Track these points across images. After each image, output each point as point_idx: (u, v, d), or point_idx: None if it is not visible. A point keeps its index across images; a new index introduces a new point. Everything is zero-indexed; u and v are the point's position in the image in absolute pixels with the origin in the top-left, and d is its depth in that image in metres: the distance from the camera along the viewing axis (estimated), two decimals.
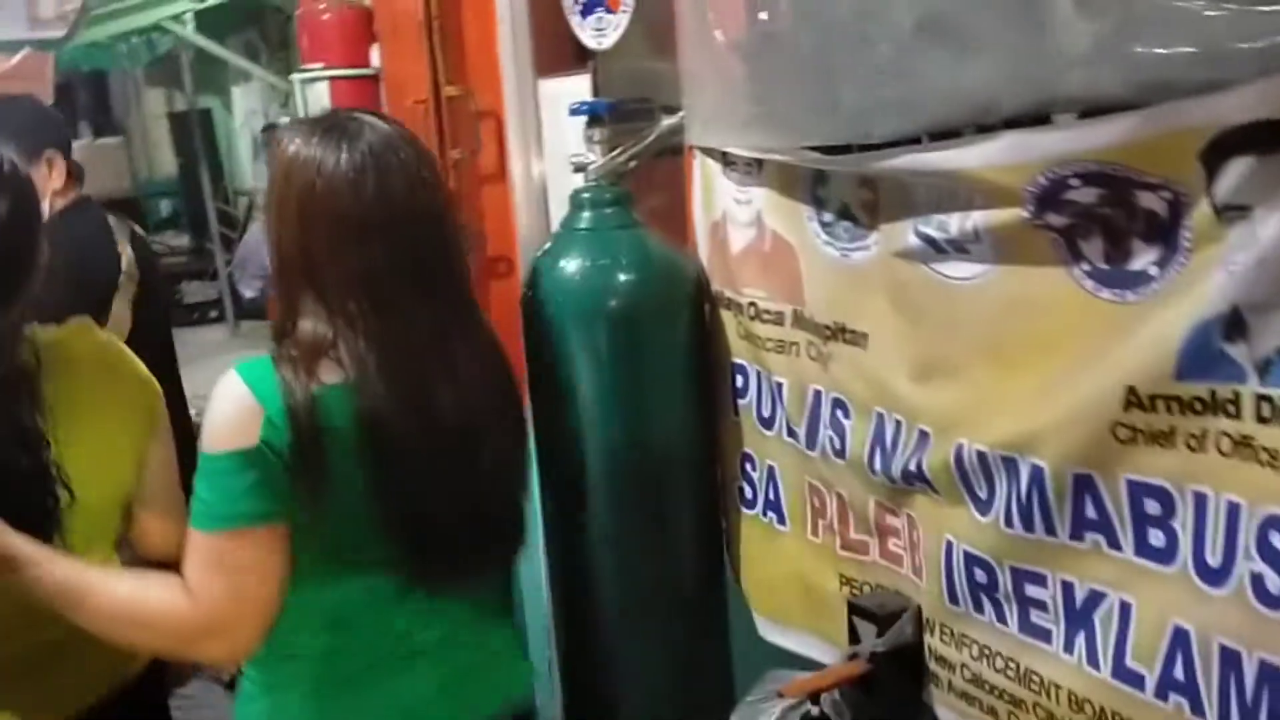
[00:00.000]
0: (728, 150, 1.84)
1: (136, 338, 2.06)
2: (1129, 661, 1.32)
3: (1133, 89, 1.14)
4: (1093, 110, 1.21)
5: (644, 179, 2.06)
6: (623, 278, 1.88)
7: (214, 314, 9.23)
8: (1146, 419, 1.23)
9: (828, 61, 1.51)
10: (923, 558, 1.59)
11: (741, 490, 1.98)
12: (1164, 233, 1.19)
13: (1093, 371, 1.27)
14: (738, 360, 1.93)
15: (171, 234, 9.88)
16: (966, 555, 1.50)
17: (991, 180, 1.32)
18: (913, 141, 1.42)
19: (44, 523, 1.49)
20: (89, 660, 1.58)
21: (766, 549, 1.96)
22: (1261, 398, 1.13)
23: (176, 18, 5.40)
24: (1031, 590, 1.43)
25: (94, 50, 6.94)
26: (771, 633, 1.98)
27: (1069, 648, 1.39)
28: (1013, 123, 1.29)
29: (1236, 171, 1.10)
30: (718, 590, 2.06)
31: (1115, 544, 1.31)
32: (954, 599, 1.54)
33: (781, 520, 1.90)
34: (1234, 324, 1.14)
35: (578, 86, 2.56)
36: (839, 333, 1.67)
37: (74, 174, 2.50)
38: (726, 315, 1.93)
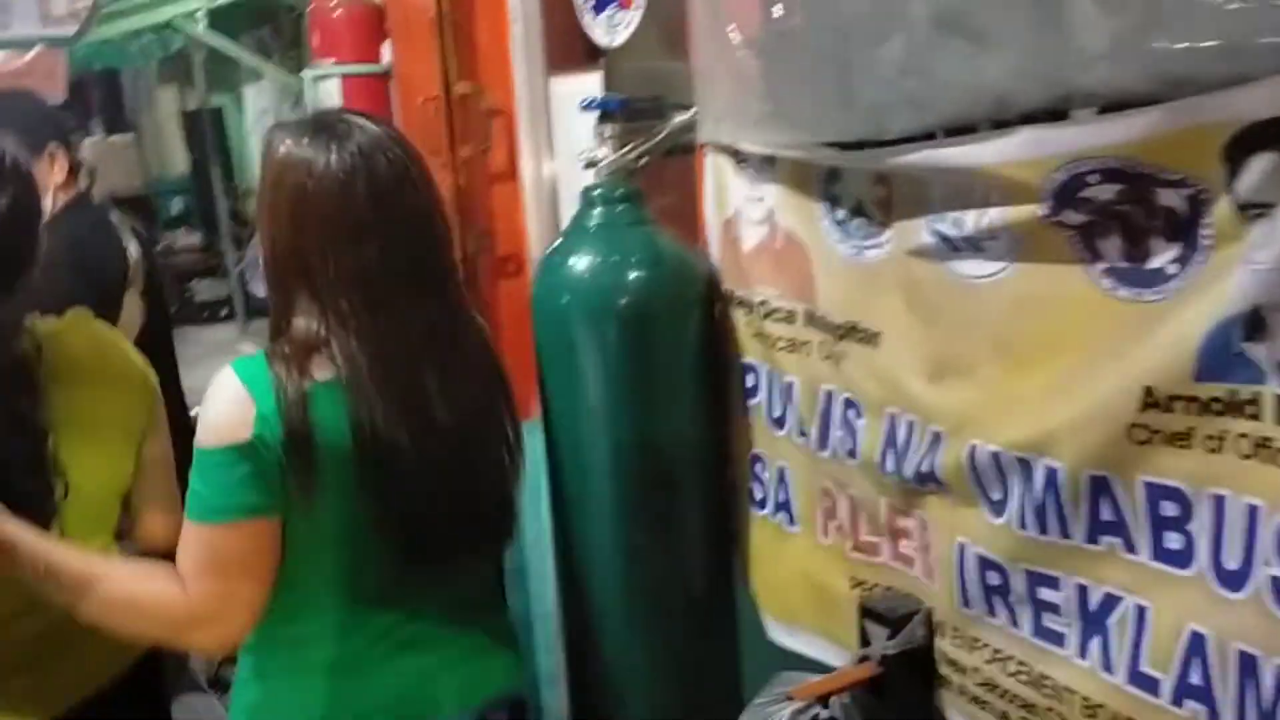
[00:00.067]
0: (740, 147, 1.83)
1: (139, 334, 2.06)
2: (1144, 667, 1.30)
3: (1153, 84, 1.13)
4: (1112, 105, 1.19)
5: (654, 177, 2.05)
6: (633, 275, 1.86)
7: (224, 312, 9.26)
8: (1164, 420, 1.22)
9: (842, 56, 1.50)
10: (935, 560, 1.57)
11: (751, 491, 1.97)
12: (1184, 230, 1.18)
13: (1109, 371, 1.26)
14: (748, 360, 1.91)
15: (183, 232, 9.90)
16: (979, 558, 1.48)
17: (1008, 177, 1.31)
18: (928, 137, 1.41)
19: (43, 512, 1.51)
20: (85, 653, 1.59)
21: (776, 550, 1.94)
22: None
23: (189, 15, 5.40)
24: (1045, 593, 1.41)
25: (106, 48, 6.95)
26: (780, 634, 1.97)
27: (1083, 652, 1.38)
28: (1030, 118, 1.27)
29: (1259, 168, 1.09)
30: (726, 591, 2.04)
31: (1131, 547, 1.30)
32: (966, 602, 1.52)
33: (792, 521, 1.89)
34: (1255, 324, 1.12)
35: (588, 84, 2.55)
36: (851, 332, 1.66)
37: (75, 168, 2.51)
38: (738, 314, 1.91)
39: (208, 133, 8.70)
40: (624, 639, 1.99)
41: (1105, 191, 1.23)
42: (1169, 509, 1.24)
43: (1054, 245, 1.31)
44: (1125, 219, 1.23)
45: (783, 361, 1.83)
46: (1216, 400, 1.17)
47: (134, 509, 1.70)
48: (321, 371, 1.39)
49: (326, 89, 3.51)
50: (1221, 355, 1.15)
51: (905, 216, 1.53)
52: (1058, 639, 1.41)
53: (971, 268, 1.43)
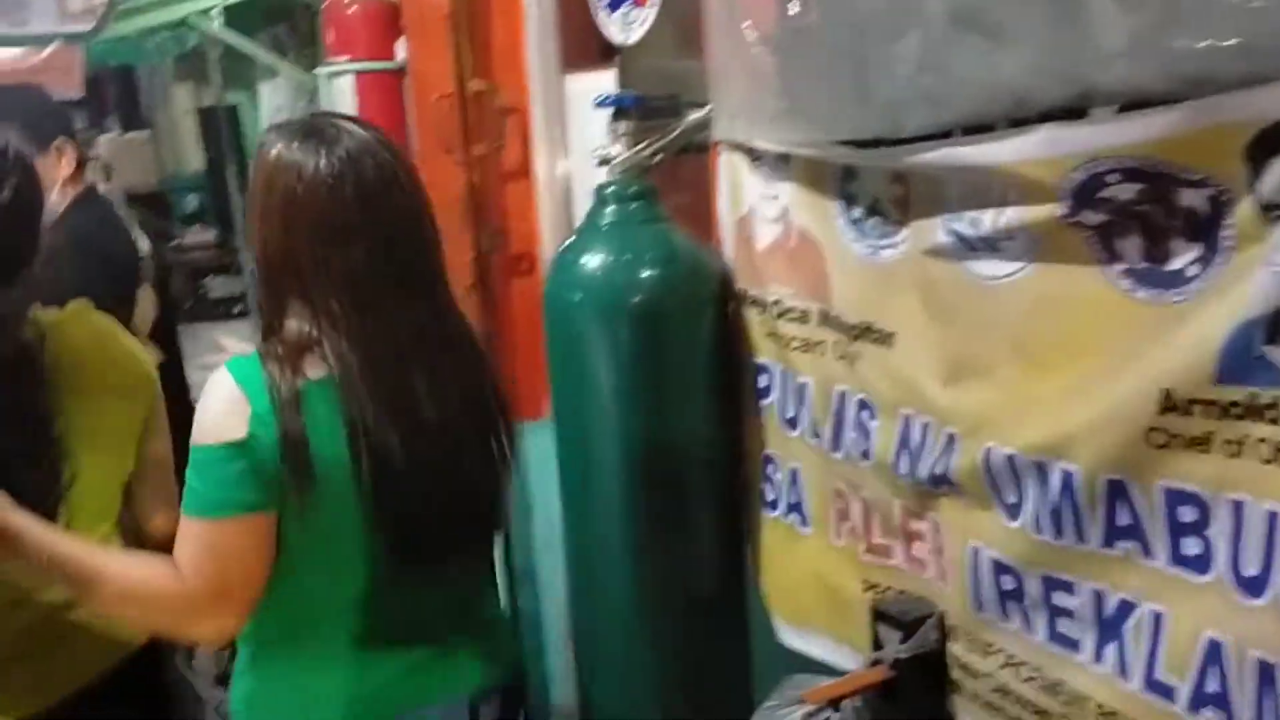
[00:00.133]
0: (755, 145, 1.82)
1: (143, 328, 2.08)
2: (1160, 674, 1.28)
3: (1174, 82, 1.12)
4: (1131, 104, 1.18)
5: (668, 175, 2.04)
6: (646, 274, 1.85)
7: (238, 309, 9.28)
8: (1183, 423, 1.20)
9: (858, 53, 1.48)
10: (948, 563, 1.56)
11: (763, 492, 1.95)
12: (1205, 231, 1.16)
13: (1128, 374, 1.24)
14: (761, 359, 1.90)
15: (197, 229, 9.93)
16: (993, 562, 1.47)
17: (1026, 175, 1.29)
18: (945, 135, 1.39)
19: (48, 500, 1.54)
20: (76, 646, 1.62)
21: (788, 552, 1.93)
22: None
23: (204, 12, 5.41)
24: (1060, 599, 1.39)
25: (122, 45, 6.96)
26: (791, 637, 1.95)
27: (1098, 658, 1.36)
28: (1048, 116, 1.25)
29: None
30: (737, 593, 2.03)
31: (1148, 552, 1.28)
32: (980, 606, 1.51)
33: (804, 523, 1.87)
34: (1276, 327, 1.11)
35: (603, 82, 2.53)
36: (866, 332, 1.64)
37: (83, 163, 2.53)
38: (751, 313, 1.90)
39: (223, 130, 8.71)
40: (634, 640, 1.98)
41: (1125, 191, 1.21)
42: (1187, 514, 1.23)
43: (1072, 245, 1.29)
44: (1145, 219, 1.22)
45: (796, 361, 1.81)
46: (1236, 404, 1.15)
47: (134, 500, 1.73)
48: (314, 370, 1.43)
49: (340, 86, 3.51)
50: (1242, 358, 1.13)
51: (922, 215, 1.51)
52: (1072, 645, 1.39)
53: (988, 268, 1.41)
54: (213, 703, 2.40)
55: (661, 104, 2.00)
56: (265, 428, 1.39)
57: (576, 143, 2.72)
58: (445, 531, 1.52)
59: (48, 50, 5.23)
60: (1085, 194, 1.24)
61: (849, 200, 1.65)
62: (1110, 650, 1.34)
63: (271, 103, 6.02)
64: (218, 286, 9.53)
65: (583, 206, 2.29)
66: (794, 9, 1.62)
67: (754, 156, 1.84)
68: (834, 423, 1.74)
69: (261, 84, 6.67)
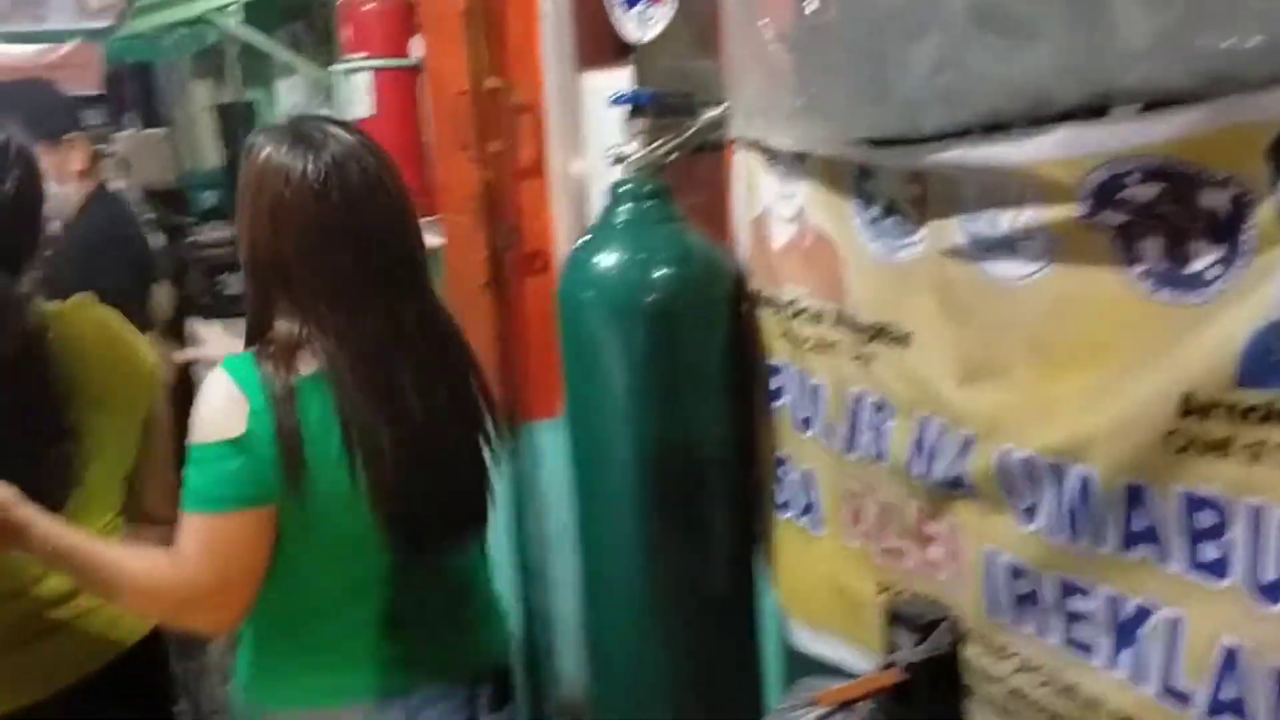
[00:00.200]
0: (771, 143, 1.81)
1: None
2: (1177, 680, 1.27)
3: (1196, 81, 1.10)
4: (1152, 103, 1.16)
5: (683, 174, 2.03)
6: (660, 273, 1.84)
7: None
8: (1202, 427, 1.18)
9: (876, 51, 1.47)
10: (963, 566, 1.55)
11: (776, 493, 1.94)
12: (1227, 233, 1.15)
13: (1147, 377, 1.23)
14: (775, 360, 1.89)
15: (214, 225, 9.97)
16: (1009, 565, 1.46)
17: (1045, 176, 1.28)
18: (963, 134, 1.38)
19: (55, 491, 1.56)
20: (77, 637, 1.63)
21: (801, 554, 1.92)
22: None
23: (222, 10, 5.42)
24: (1076, 603, 1.38)
25: (139, 42, 6.99)
26: (804, 639, 1.94)
27: (1114, 663, 1.35)
28: (1068, 116, 1.24)
29: None
30: (749, 594, 2.02)
31: (1166, 557, 1.27)
32: (995, 610, 1.50)
33: (817, 525, 1.86)
34: None
35: (618, 80, 2.52)
36: (881, 332, 1.63)
37: (96, 158, 2.55)
38: (766, 313, 1.89)
39: (240, 127, 8.74)
40: (646, 639, 1.97)
41: (1145, 192, 1.20)
42: (1205, 519, 1.21)
43: (1092, 246, 1.28)
44: (1165, 220, 1.20)
45: (811, 362, 1.80)
46: (1257, 408, 1.14)
47: (136, 488, 1.76)
48: (306, 366, 1.47)
49: (356, 83, 3.51)
50: (1263, 361, 1.12)
51: (939, 215, 1.50)
52: (1088, 650, 1.38)
53: (1007, 269, 1.40)
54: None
55: (677, 102, 1.99)
56: (262, 423, 1.44)
57: (592, 140, 2.72)
58: (438, 521, 1.58)
59: (66, 47, 5.26)
60: (1105, 194, 1.23)
61: (866, 200, 1.64)
62: (1126, 656, 1.33)
63: (289, 100, 6.03)
64: (234, 283, 9.57)
65: (597, 204, 2.28)
66: (812, 6, 1.61)
67: (770, 155, 1.83)
68: (848, 424, 1.73)
69: (279, 81, 6.68)
